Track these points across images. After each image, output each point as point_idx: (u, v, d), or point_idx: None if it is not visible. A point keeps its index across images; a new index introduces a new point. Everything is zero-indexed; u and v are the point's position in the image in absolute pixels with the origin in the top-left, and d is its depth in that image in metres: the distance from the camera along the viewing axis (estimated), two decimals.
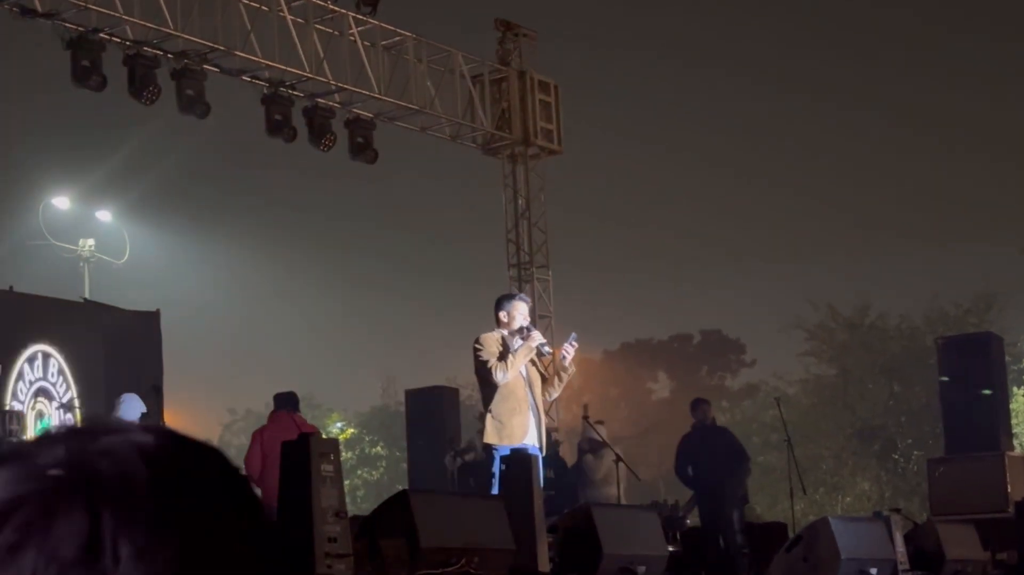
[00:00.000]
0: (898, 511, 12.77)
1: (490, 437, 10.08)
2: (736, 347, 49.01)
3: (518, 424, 9.97)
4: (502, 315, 10.11)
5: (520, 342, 9.95)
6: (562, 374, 10.24)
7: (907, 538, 12.11)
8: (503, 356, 9.93)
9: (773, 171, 59.34)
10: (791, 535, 12.51)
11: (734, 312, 51.56)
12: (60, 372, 16.36)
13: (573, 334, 10.28)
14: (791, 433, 15.22)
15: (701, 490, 14.22)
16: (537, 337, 10.05)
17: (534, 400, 10.11)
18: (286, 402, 13.54)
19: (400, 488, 13.43)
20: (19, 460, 1.00)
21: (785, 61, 60.66)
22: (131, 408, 12.32)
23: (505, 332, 10.05)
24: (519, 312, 10.11)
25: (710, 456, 14.04)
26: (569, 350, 10.19)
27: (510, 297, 10.44)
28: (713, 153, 59.44)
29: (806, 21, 62.11)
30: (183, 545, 0.97)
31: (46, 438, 1.02)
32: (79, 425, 1.03)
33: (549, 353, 10.34)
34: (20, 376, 15.86)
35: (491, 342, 10.03)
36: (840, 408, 38.32)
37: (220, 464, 1.03)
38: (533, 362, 10.14)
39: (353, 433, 45.01)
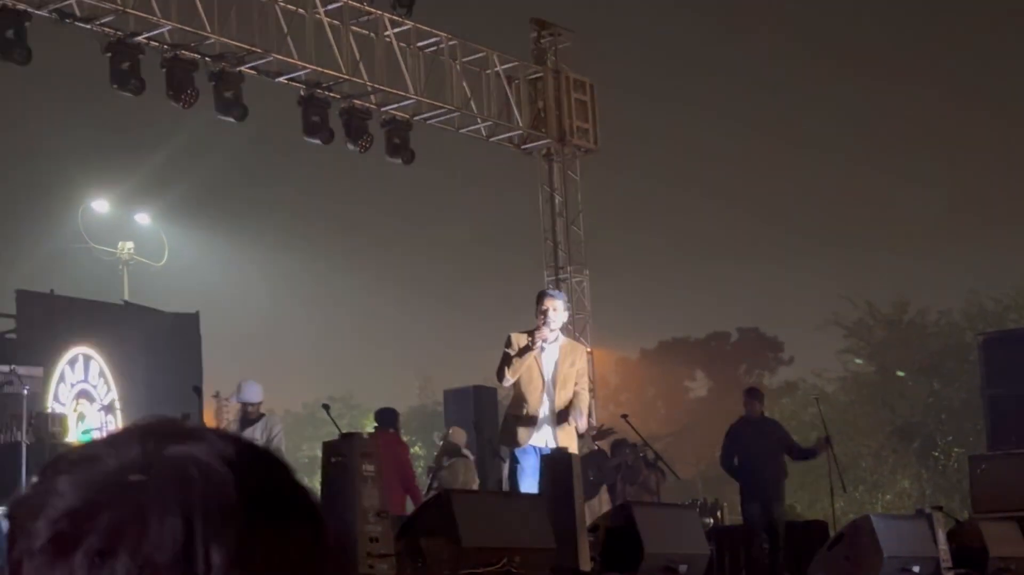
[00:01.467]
0: (940, 509, 12.69)
1: (499, 439, 10.19)
2: (774, 345, 48.85)
3: (521, 427, 9.96)
4: (536, 312, 10.14)
5: (540, 342, 9.96)
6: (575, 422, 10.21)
7: (950, 536, 12.04)
8: (509, 358, 9.94)
9: (810, 168, 59.15)
10: (832, 533, 12.44)
11: (771, 310, 51.43)
12: (101, 374, 16.46)
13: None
14: (830, 431, 15.12)
15: (746, 484, 14.05)
16: (539, 336, 9.99)
17: (552, 402, 10.06)
18: (385, 420, 14.18)
19: None
20: (91, 463, 1.00)
21: (821, 61, 60.40)
22: (252, 392, 12.51)
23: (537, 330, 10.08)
24: (541, 308, 10.08)
25: (759, 448, 13.89)
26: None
27: (539, 294, 10.42)
28: (749, 151, 59.29)
29: (844, 9, 61.87)
30: (267, 554, 0.98)
31: (115, 441, 1.02)
32: (150, 427, 1.03)
33: (533, 350, 10.13)
34: (61, 378, 15.96)
35: (514, 342, 10.03)
36: (879, 406, 38.12)
37: (290, 474, 1.05)
38: (534, 364, 10.08)
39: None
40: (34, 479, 1.03)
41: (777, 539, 13.32)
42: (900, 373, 38.53)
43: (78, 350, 16.24)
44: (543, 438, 9.96)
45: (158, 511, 0.96)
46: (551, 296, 10.37)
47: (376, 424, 14.33)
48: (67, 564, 0.96)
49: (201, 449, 1.00)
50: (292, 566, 0.99)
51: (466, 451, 15.51)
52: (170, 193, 37.99)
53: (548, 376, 10.03)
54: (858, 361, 40.28)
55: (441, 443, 17.06)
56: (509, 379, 9.97)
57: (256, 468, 1.02)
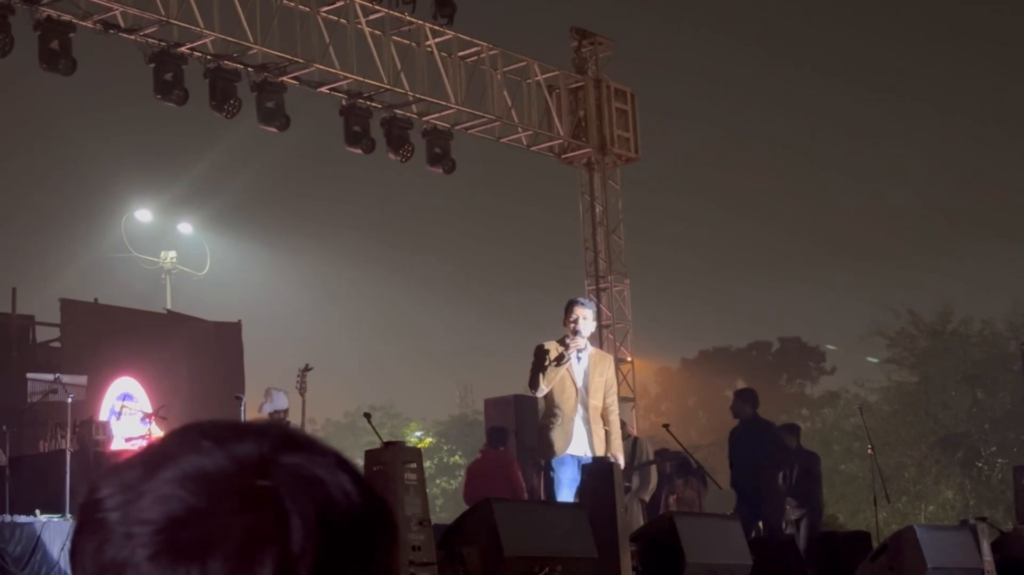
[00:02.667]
0: (984, 519, 12.58)
1: (536, 449, 10.21)
2: (815, 355, 48.60)
3: (557, 437, 9.93)
4: (565, 321, 10.09)
5: (572, 351, 9.93)
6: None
7: (994, 546, 11.93)
8: (542, 367, 9.90)
9: (852, 177, 58.90)
10: (875, 544, 12.36)
11: (813, 320, 51.22)
12: (144, 383, 16.55)
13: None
14: (873, 441, 15.01)
15: (739, 492, 13.87)
16: (574, 345, 9.95)
17: (586, 411, 10.03)
18: (496, 438, 14.75)
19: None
20: (199, 460, 0.96)
21: (862, 63, 60.15)
22: (282, 399, 12.69)
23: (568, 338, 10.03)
24: (571, 318, 10.03)
25: (741, 451, 13.73)
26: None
27: (569, 302, 10.27)
28: (790, 159, 59.09)
29: (891, 18, 61.60)
30: (382, 565, 0.99)
31: (220, 437, 0.98)
32: (264, 429, 1.00)
33: (568, 360, 10.06)
34: (105, 386, 16.06)
35: (543, 351, 9.99)
36: (922, 416, 37.88)
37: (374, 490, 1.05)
38: (567, 373, 10.05)
39: (432, 442, 45.17)
40: (114, 474, 0.97)
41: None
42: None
43: (121, 358, 16.33)
44: (581, 447, 9.95)
45: (300, 520, 0.94)
46: (581, 304, 10.24)
47: (487, 441, 14.77)
48: (198, 570, 0.92)
49: (318, 460, 0.99)
50: (391, 573, 1.01)
51: None
52: (213, 203, 38.25)
53: (580, 384, 10.01)
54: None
55: None
56: (544, 389, 9.94)
57: (364, 481, 1.01)
